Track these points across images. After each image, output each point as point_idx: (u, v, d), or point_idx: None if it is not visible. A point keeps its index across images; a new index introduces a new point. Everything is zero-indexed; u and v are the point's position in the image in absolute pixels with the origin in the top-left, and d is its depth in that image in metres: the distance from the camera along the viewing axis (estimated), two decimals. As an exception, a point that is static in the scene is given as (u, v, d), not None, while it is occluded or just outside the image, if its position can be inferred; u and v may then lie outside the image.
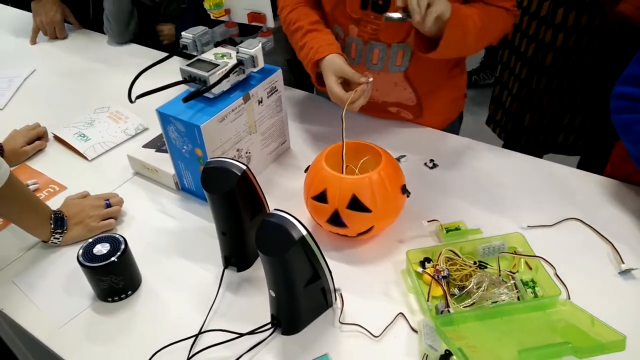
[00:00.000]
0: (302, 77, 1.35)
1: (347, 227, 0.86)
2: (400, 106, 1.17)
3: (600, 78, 1.35)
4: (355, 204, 0.83)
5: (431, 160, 1.07)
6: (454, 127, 1.25)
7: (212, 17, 1.00)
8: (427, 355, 0.72)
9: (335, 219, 0.85)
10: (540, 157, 1.19)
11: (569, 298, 0.78)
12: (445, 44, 0.93)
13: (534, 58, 1.42)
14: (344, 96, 0.95)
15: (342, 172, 0.89)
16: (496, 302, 0.75)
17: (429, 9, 0.86)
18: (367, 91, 0.96)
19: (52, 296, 0.85)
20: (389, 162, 0.87)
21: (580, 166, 1.57)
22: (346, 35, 1.09)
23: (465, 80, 1.22)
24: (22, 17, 1.86)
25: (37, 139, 1.19)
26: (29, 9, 1.74)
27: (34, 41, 1.71)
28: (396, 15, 0.88)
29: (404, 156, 1.08)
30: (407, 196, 0.89)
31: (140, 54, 1.58)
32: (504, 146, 1.57)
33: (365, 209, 0.83)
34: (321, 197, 0.85)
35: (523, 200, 0.96)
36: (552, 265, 0.81)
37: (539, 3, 1.35)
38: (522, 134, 1.54)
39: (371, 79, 0.95)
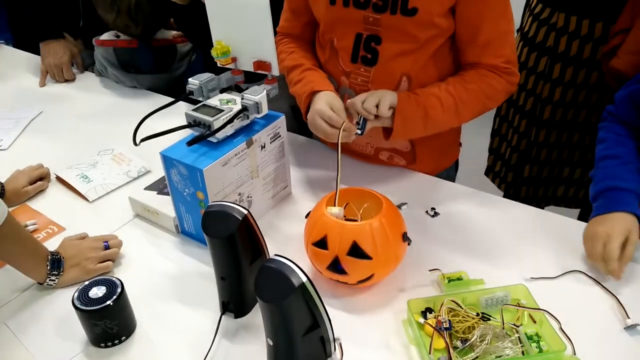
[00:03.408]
0: (305, 123, 1.38)
1: (347, 275, 0.85)
2: (394, 152, 1.18)
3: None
4: (356, 251, 0.82)
5: (432, 209, 1.07)
6: (449, 174, 1.26)
7: (218, 65, 1.03)
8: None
9: (336, 266, 0.84)
10: (541, 208, 1.19)
11: (575, 354, 0.76)
12: (399, 127, 1.01)
13: (532, 111, 1.44)
14: (334, 116, 0.99)
15: (335, 204, 0.88)
16: (500, 356, 0.73)
17: (380, 107, 0.97)
18: (350, 137, 1.00)
19: (44, 340, 0.83)
20: (390, 209, 0.87)
21: (581, 218, 1.57)
22: (339, 87, 1.12)
23: (459, 128, 1.24)
24: (33, 60, 1.90)
25: (40, 179, 1.19)
26: (39, 52, 1.79)
27: (42, 83, 1.74)
28: (358, 132, 1.00)
29: (405, 204, 1.08)
30: (408, 244, 0.88)
31: (147, 98, 1.61)
32: (504, 197, 1.57)
33: (366, 256, 0.82)
34: (321, 244, 0.85)
35: (525, 252, 0.96)
36: (556, 319, 0.80)
37: (537, 59, 1.39)
38: (522, 185, 1.54)
39: (359, 132, 1.00)
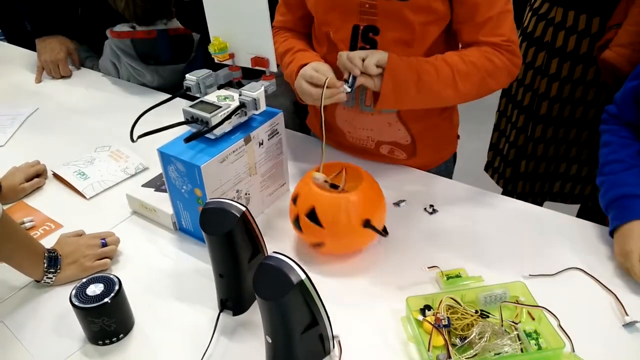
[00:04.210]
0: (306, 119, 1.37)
1: (303, 233, 0.92)
2: (394, 145, 1.17)
3: (595, 129, 1.38)
4: (312, 216, 0.88)
5: (431, 206, 1.07)
6: (447, 167, 1.26)
7: (216, 61, 1.02)
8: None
9: (297, 223, 0.91)
10: (540, 204, 1.19)
11: (574, 351, 0.76)
12: (388, 89, 0.96)
13: (530, 107, 1.44)
14: (316, 75, 0.97)
15: (320, 170, 0.92)
16: (499, 353, 0.73)
17: (365, 61, 0.94)
18: (339, 96, 0.97)
19: (41, 338, 0.83)
20: (366, 195, 0.89)
21: (580, 215, 1.57)
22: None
23: (457, 120, 1.24)
24: (28, 56, 1.89)
25: (36, 176, 1.18)
26: (34, 48, 1.78)
27: (39, 79, 1.73)
28: (347, 89, 0.97)
29: (404, 201, 1.08)
30: (384, 235, 0.91)
31: (144, 94, 1.60)
32: (503, 193, 1.57)
33: (319, 223, 0.88)
34: (295, 200, 0.92)
35: (523, 249, 0.96)
36: (555, 316, 0.80)
37: (535, 54, 1.39)
38: (520, 180, 1.54)
39: (348, 90, 0.97)
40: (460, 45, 1.05)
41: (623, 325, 0.80)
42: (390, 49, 1.00)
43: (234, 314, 0.86)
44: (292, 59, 1.08)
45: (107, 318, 0.79)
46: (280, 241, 1.00)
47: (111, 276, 0.82)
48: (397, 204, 1.07)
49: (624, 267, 0.87)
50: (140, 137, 0.91)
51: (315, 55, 1.09)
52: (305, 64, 1.03)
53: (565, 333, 0.78)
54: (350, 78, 0.96)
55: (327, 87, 0.95)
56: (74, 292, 0.79)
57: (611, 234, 0.92)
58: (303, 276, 0.67)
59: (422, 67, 0.97)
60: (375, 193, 0.92)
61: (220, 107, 0.94)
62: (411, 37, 0.99)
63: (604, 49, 1.20)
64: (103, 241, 0.96)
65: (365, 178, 0.92)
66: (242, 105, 0.95)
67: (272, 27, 0.97)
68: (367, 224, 0.88)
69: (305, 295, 0.68)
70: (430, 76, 0.97)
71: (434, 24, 0.99)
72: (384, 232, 0.90)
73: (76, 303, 0.78)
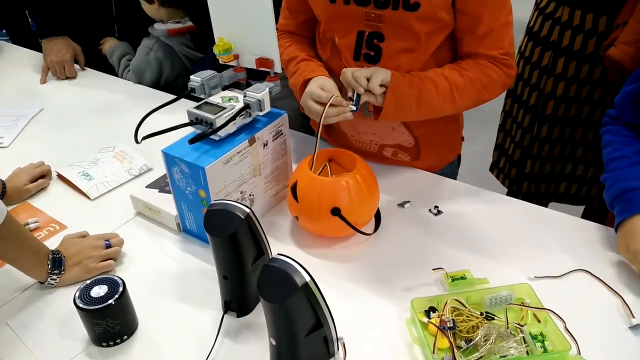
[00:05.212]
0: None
1: (288, 203, 1.00)
2: (398, 147, 1.17)
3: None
4: (293, 189, 0.95)
5: (436, 207, 1.06)
6: (452, 169, 1.26)
7: (220, 62, 1.02)
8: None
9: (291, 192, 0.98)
10: (545, 205, 1.19)
11: (579, 353, 0.75)
12: (390, 106, 0.98)
13: (536, 106, 1.43)
14: (322, 94, 0.98)
15: (311, 167, 0.96)
16: (505, 356, 0.73)
17: (370, 82, 0.95)
18: (345, 115, 0.98)
19: (45, 339, 0.83)
20: (346, 183, 0.92)
21: (585, 216, 1.56)
22: (341, 86, 1.11)
23: (462, 122, 1.23)
24: (33, 57, 1.90)
25: (41, 177, 1.18)
26: (40, 49, 1.78)
27: (44, 80, 1.74)
28: (352, 108, 0.98)
29: (408, 202, 1.08)
30: (358, 231, 0.91)
31: (148, 95, 1.60)
32: (508, 193, 1.56)
33: (296, 197, 0.95)
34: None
35: (529, 250, 0.95)
36: (561, 319, 0.79)
37: (541, 53, 1.38)
38: (525, 180, 1.54)
39: (354, 109, 0.98)
40: (458, 54, 1.05)
41: (629, 328, 0.79)
42: (394, 56, 1.01)
43: (238, 316, 0.85)
44: (296, 69, 1.09)
45: (111, 320, 0.78)
46: (285, 243, 1.00)
47: (115, 278, 0.82)
48: (401, 205, 1.07)
49: (633, 264, 0.87)
50: (144, 138, 0.91)
51: (319, 66, 1.09)
52: (310, 78, 1.03)
53: (572, 335, 0.77)
54: (355, 96, 0.98)
55: (333, 105, 0.96)
56: (77, 293, 0.79)
57: (616, 229, 0.92)
58: (307, 278, 0.67)
59: (423, 84, 0.99)
60: (360, 185, 0.92)
61: (225, 108, 0.94)
62: (416, 45, 1.00)
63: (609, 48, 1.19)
64: (107, 242, 0.96)
65: (357, 170, 0.94)
66: (246, 106, 0.94)
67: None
68: (335, 212, 0.90)
69: (310, 297, 0.68)
70: (430, 93, 0.99)
71: (438, 33, 1.00)
72: (375, 229, 0.90)
73: (80, 305, 0.78)
